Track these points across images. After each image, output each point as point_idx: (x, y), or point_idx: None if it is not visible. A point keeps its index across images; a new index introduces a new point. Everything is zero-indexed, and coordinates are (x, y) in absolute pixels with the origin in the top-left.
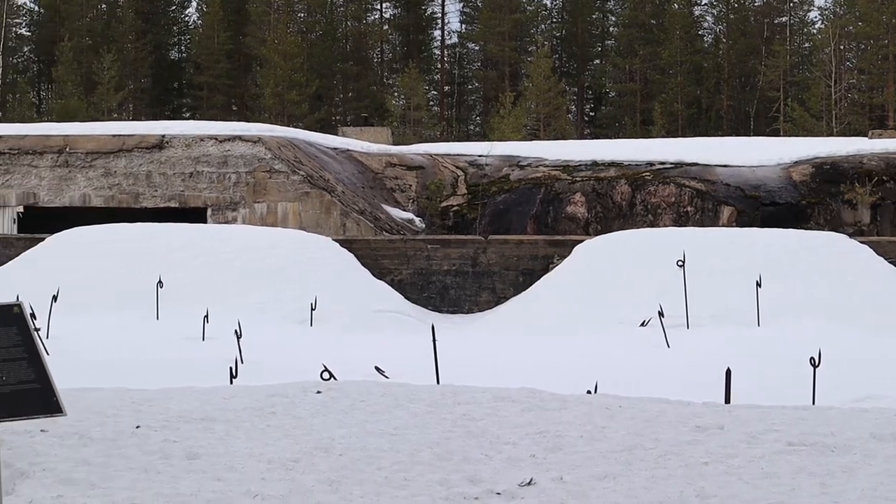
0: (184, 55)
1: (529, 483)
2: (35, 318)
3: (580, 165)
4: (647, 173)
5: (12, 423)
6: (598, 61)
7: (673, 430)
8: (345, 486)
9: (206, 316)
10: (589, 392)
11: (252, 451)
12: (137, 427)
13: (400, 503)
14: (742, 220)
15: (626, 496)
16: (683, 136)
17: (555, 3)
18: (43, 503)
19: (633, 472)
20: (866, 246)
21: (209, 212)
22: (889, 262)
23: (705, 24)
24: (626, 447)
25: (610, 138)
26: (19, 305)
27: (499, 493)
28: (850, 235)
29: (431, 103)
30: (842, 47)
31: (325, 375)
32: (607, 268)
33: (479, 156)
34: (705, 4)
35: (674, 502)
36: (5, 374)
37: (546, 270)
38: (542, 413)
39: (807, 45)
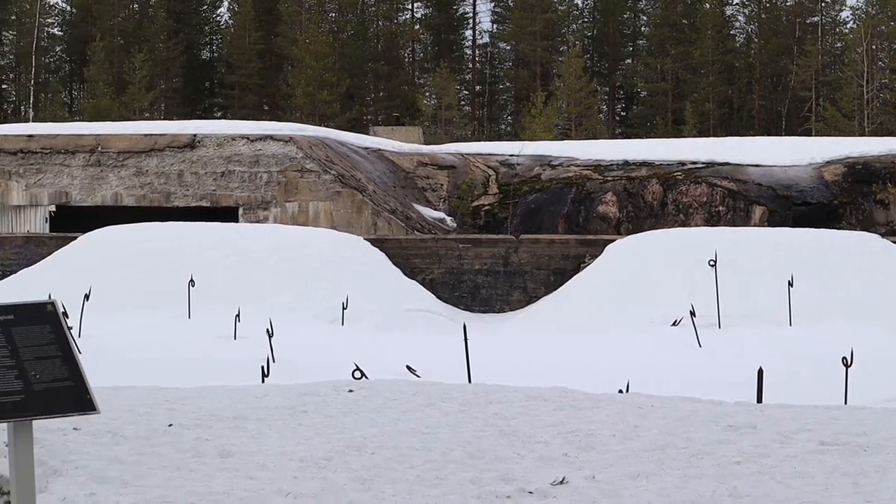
0: (215, 55)
1: (562, 482)
2: (67, 317)
3: (612, 165)
4: (679, 173)
5: (45, 420)
6: (629, 61)
7: (705, 430)
8: (377, 485)
9: (238, 315)
10: (621, 391)
11: (284, 450)
12: (170, 425)
13: (432, 501)
14: (774, 220)
15: (659, 495)
16: (715, 135)
17: (586, 2)
18: (76, 501)
19: (665, 472)
20: None
21: (241, 211)
22: None
23: (737, 24)
24: (659, 446)
25: (641, 138)
26: (52, 304)
27: (531, 492)
28: (883, 235)
29: (463, 103)
30: (874, 47)
31: (357, 374)
32: (639, 267)
33: (511, 155)
34: (737, 4)
35: (706, 501)
36: (39, 372)
37: (577, 270)
38: (574, 412)
39: (839, 44)
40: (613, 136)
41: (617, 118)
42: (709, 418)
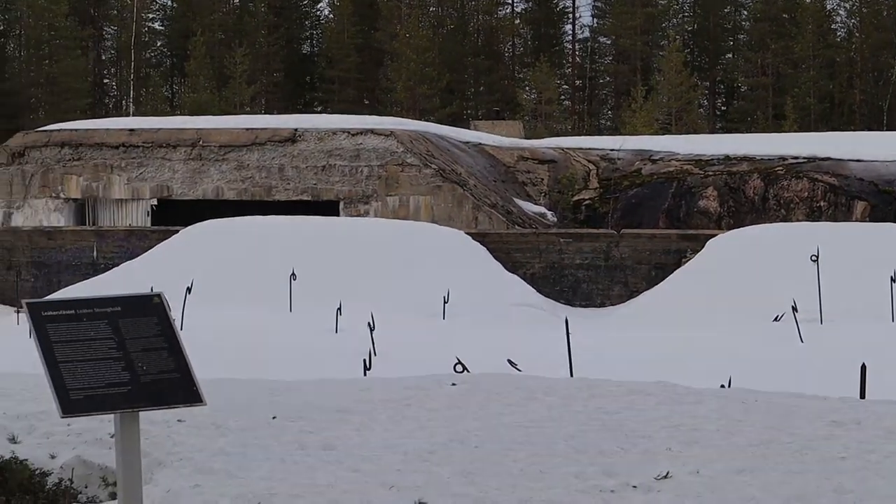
0: (315, 49)
1: (666, 476)
2: (170, 310)
3: (712, 160)
4: (780, 168)
5: (151, 412)
6: (730, 55)
7: (809, 425)
8: (481, 479)
9: (339, 308)
10: (723, 386)
11: (388, 443)
12: (273, 418)
13: (536, 495)
14: (875, 215)
15: (763, 490)
16: (816, 130)
17: None
18: (181, 492)
19: (769, 467)
20: None
21: (341, 205)
22: None
23: (838, 19)
24: (763, 441)
25: (742, 133)
26: (159, 296)
27: (635, 487)
28: None
29: (563, 97)
30: None
31: (459, 368)
32: (740, 263)
33: (611, 150)
34: None
35: (810, 497)
36: (146, 363)
37: (678, 265)
38: (677, 406)
39: None
40: (714, 131)
41: (717, 113)
42: (812, 413)
